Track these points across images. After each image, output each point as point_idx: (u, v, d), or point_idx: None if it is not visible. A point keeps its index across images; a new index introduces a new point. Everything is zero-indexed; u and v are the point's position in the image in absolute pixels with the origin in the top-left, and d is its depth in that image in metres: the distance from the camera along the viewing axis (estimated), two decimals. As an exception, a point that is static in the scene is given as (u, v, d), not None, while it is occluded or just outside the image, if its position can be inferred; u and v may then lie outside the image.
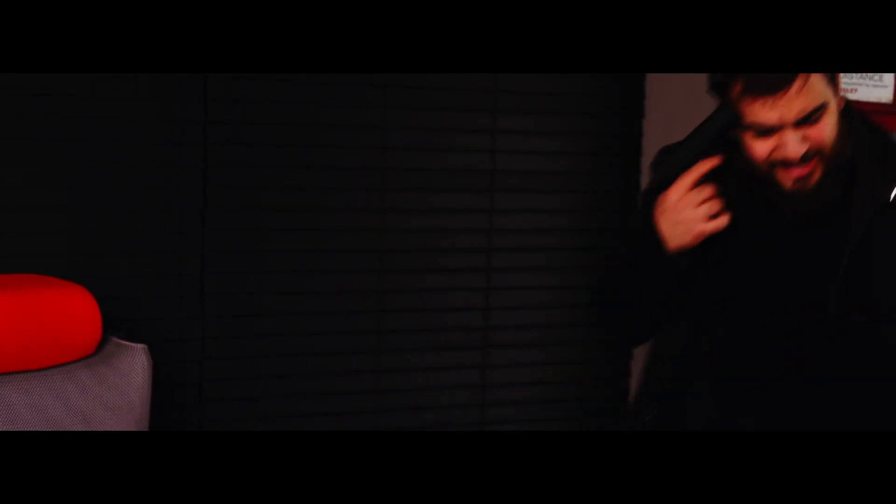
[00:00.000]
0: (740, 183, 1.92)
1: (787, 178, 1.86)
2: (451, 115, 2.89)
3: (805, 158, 1.84)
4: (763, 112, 1.83)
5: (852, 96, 2.88)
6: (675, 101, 2.84)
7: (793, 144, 1.84)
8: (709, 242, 1.92)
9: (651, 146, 2.87)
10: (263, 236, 2.75)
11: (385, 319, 2.88)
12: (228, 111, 2.68)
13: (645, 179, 2.44)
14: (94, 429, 2.20)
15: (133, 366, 2.28)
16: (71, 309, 2.20)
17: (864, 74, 2.90)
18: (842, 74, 2.10)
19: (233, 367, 2.75)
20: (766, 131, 1.85)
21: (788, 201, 1.88)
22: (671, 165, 1.97)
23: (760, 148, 1.86)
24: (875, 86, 2.90)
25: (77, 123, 2.55)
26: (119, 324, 2.38)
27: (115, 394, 2.24)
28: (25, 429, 2.13)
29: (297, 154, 2.76)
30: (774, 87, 1.81)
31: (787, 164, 1.85)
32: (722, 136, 1.94)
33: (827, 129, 1.86)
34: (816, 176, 1.86)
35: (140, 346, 2.30)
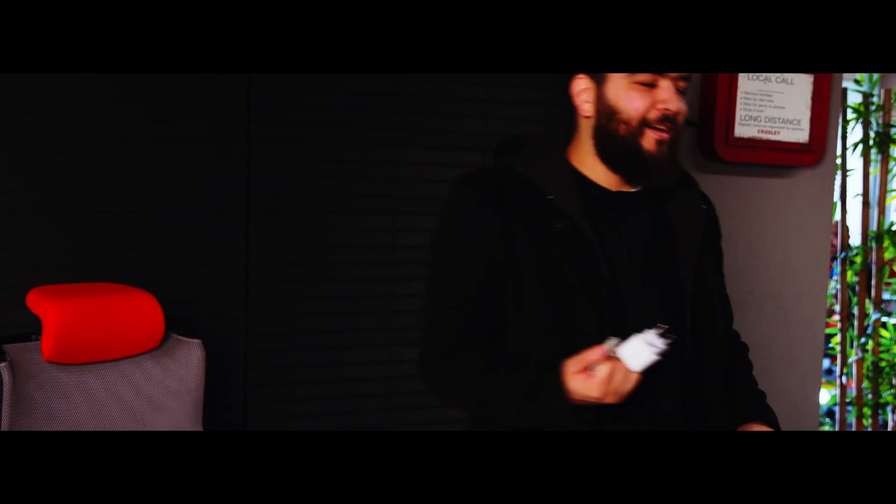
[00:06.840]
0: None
1: (651, 141, 1.76)
2: (448, 153, 3.02)
3: (667, 120, 1.76)
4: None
5: (775, 137, 2.93)
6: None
7: (674, 99, 1.75)
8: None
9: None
10: (297, 251, 2.85)
11: (395, 319, 3.00)
12: (270, 149, 2.79)
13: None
14: (158, 408, 2.29)
15: (190, 357, 2.37)
16: (139, 311, 2.27)
17: (786, 120, 2.88)
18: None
19: (271, 358, 2.86)
20: (648, 84, 1.75)
21: (650, 164, 1.77)
22: None
23: (640, 101, 1.75)
24: (794, 129, 2.89)
25: (145, 164, 2.66)
26: (179, 322, 2.48)
27: (174, 380, 2.34)
28: (102, 408, 2.21)
29: (325, 183, 2.87)
30: None
31: (663, 119, 1.75)
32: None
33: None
34: (669, 144, 1.78)
35: (195, 341, 2.39)
